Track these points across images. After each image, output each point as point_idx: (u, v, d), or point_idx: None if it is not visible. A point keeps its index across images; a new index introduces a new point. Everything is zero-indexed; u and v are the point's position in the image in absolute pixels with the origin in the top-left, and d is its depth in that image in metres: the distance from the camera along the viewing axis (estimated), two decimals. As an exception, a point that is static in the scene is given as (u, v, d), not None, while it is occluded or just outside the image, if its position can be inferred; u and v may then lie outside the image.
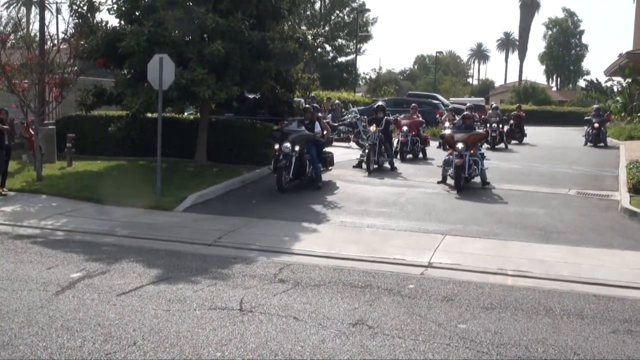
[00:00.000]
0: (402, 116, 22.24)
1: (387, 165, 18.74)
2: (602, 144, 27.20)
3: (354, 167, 18.45)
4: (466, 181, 15.32)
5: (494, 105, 31.04)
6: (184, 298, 7.33)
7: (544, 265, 9.17)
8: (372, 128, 18.37)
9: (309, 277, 8.32)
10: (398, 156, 20.51)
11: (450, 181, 15.53)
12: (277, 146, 14.55)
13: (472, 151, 15.31)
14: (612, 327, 6.75)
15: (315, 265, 8.97)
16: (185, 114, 20.65)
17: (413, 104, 23.76)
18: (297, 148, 14.49)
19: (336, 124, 27.05)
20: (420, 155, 21.65)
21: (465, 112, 18.66)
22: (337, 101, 33.06)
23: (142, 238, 10.52)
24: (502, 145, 25.71)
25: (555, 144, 28.81)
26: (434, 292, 7.81)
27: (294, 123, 15.63)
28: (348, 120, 24.80)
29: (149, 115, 16.89)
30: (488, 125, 25.39)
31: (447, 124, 24.60)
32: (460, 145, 15.10)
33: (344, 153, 21.75)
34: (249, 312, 6.90)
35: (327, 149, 16.95)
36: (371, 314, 6.93)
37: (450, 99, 52.10)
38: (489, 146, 24.74)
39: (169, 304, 7.12)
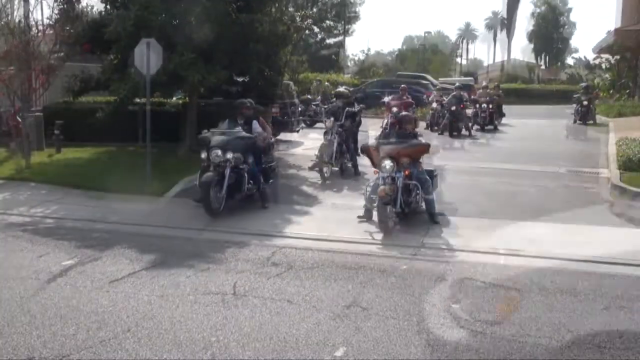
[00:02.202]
0: (390, 97, 22.17)
1: (349, 165, 14.94)
2: (591, 122, 27.20)
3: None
4: (404, 214, 10.16)
5: (485, 84, 30.88)
6: (177, 283, 7.31)
7: (535, 243, 9.20)
8: (328, 123, 14.37)
9: (302, 260, 8.32)
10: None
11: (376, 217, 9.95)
12: (203, 155, 11.13)
13: (407, 172, 9.99)
14: (604, 303, 6.79)
15: (307, 247, 8.96)
16: (174, 98, 20.51)
17: (402, 85, 23.60)
18: (229, 155, 10.71)
19: (326, 106, 27.03)
20: None
21: (402, 113, 13.23)
22: (326, 83, 33.03)
23: (134, 224, 10.47)
24: (491, 126, 25.60)
25: (545, 123, 28.78)
26: (427, 273, 7.82)
27: (225, 122, 11.75)
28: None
29: (137, 100, 16.76)
30: (477, 105, 25.35)
31: (434, 105, 24.66)
32: (387, 164, 9.83)
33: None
34: (243, 296, 6.89)
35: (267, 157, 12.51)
36: (365, 296, 6.94)
37: (440, 79, 51.98)
38: (478, 127, 24.71)
39: (162, 289, 7.10)
